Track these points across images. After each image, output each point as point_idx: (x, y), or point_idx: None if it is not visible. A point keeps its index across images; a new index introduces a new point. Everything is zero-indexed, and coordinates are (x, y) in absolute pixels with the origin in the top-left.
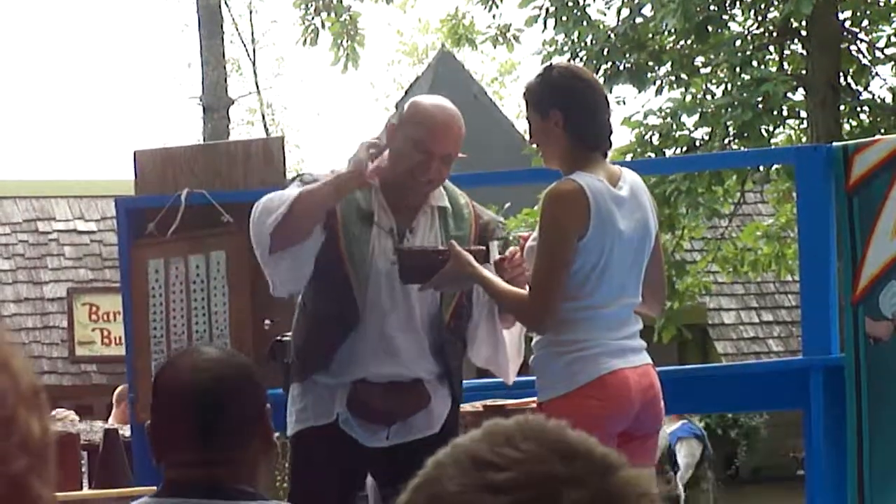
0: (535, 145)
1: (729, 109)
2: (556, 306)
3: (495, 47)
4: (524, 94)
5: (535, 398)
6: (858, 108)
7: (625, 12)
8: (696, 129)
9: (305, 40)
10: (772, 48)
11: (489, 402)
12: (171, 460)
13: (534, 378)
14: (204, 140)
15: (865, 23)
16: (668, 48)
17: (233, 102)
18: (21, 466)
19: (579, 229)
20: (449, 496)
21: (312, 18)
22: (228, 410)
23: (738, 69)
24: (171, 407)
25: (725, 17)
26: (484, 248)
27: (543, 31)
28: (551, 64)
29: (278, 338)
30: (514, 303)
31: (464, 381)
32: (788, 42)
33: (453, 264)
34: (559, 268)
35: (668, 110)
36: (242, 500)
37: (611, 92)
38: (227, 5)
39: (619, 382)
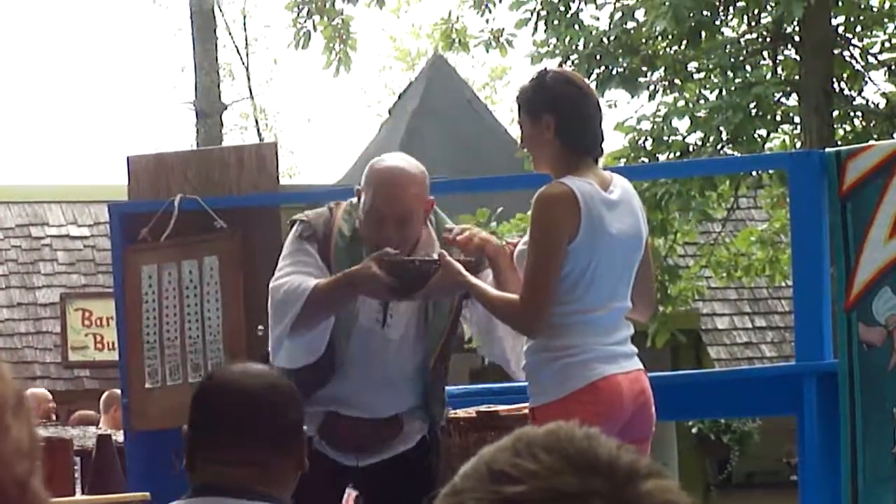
0: (525, 150)
1: (720, 113)
2: (548, 311)
3: (488, 51)
4: (517, 98)
5: (527, 404)
6: (852, 114)
7: (617, 16)
8: (689, 134)
9: (297, 43)
10: (765, 53)
11: (483, 407)
12: (205, 459)
13: (527, 384)
14: (197, 145)
15: (859, 28)
16: (661, 53)
17: (226, 108)
18: (24, 470)
19: (570, 232)
20: None
21: (304, 21)
22: (272, 416)
23: (730, 73)
24: (218, 406)
25: (718, 21)
26: (473, 258)
27: (534, 34)
28: (545, 69)
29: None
30: (506, 309)
31: (457, 387)
32: (782, 47)
33: (445, 273)
34: (550, 272)
35: (659, 115)
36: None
37: (603, 96)
38: (221, 10)
39: (610, 388)
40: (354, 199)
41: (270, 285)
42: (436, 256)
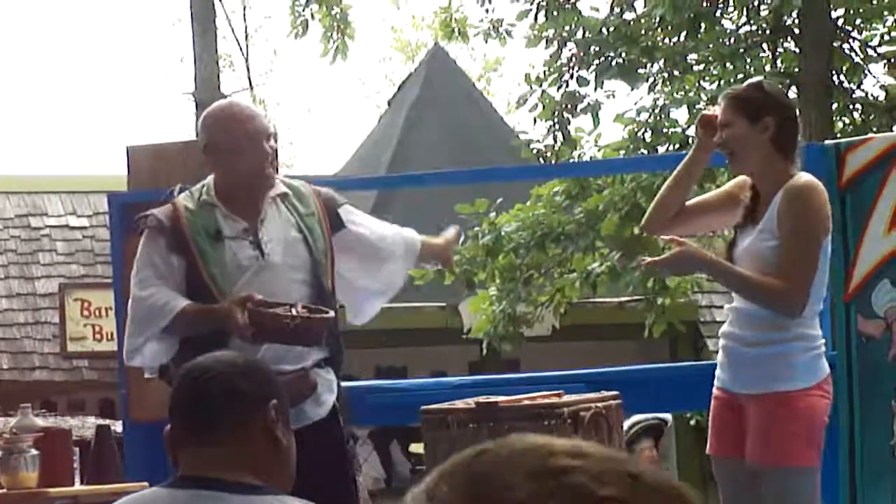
0: (727, 151)
1: None
2: (807, 298)
3: (487, 42)
4: (731, 99)
5: (526, 395)
6: (851, 107)
7: (616, 7)
8: (688, 125)
9: (296, 33)
10: (765, 45)
11: (482, 398)
12: (177, 459)
13: (525, 375)
14: (196, 136)
15: (858, 21)
16: (660, 44)
17: (226, 98)
18: None
19: (829, 224)
20: None
21: (303, 10)
22: (217, 403)
23: (729, 65)
24: (178, 388)
25: (717, 13)
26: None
27: (534, 25)
28: (761, 80)
29: None
30: (768, 289)
31: (456, 378)
32: (781, 39)
33: (683, 253)
34: (816, 260)
35: (654, 106)
36: (233, 493)
37: (601, 87)
38: (221, 0)
39: (830, 382)
40: (195, 186)
41: (133, 292)
42: (295, 312)
